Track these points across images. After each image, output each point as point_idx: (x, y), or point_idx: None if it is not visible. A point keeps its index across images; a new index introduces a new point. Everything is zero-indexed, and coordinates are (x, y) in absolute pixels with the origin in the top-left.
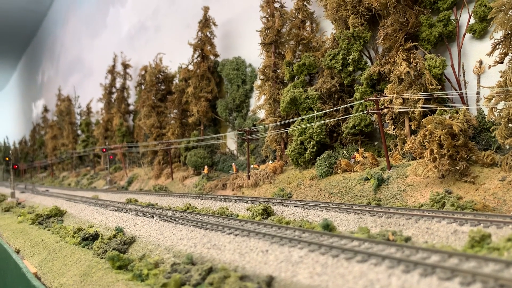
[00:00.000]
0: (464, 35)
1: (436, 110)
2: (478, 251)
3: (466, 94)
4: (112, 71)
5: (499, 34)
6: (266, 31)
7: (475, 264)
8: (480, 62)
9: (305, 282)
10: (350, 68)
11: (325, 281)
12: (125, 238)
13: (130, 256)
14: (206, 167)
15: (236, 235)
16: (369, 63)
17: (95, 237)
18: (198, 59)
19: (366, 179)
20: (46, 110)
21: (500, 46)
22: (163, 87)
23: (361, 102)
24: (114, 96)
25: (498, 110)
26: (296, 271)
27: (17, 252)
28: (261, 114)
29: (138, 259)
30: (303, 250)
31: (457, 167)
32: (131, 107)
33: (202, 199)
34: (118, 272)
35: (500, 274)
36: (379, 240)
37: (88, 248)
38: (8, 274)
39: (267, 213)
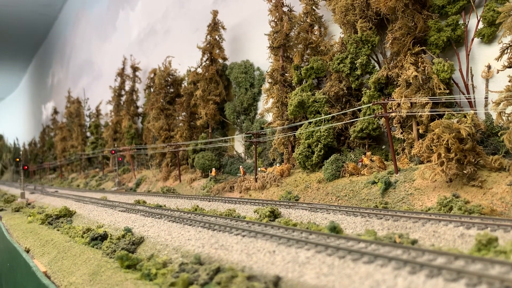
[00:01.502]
0: (472, 40)
1: (444, 114)
2: (484, 254)
3: (474, 98)
4: (121, 73)
5: (507, 39)
6: (275, 35)
7: (481, 266)
8: (489, 67)
9: (311, 282)
10: (358, 72)
11: (331, 281)
12: (133, 238)
13: (138, 256)
14: (213, 169)
15: (243, 236)
16: (377, 67)
17: (104, 237)
18: (207, 62)
19: (374, 182)
20: (55, 112)
21: (509, 50)
22: (172, 90)
23: (369, 106)
24: (123, 98)
25: (506, 115)
26: (303, 271)
27: (27, 251)
28: (269, 117)
29: (146, 258)
30: (310, 251)
31: (465, 171)
32: (140, 110)
33: (209, 201)
34: (127, 271)
35: (506, 276)
36: (386, 242)
37: (97, 248)
38: (18, 272)
39: (274, 215)
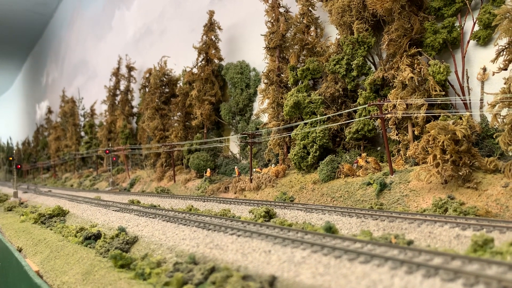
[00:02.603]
0: (468, 42)
1: (439, 116)
2: (481, 255)
3: (469, 100)
4: (116, 73)
5: (503, 41)
6: (271, 36)
7: (478, 266)
8: (484, 69)
9: (307, 282)
10: (354, 73)
11: (327, 281)
12: (127, 238)
13: (132, 255)
14: (208, 170)
15: (238, 235)
16: (373, 68)
17: (97, 236)
18: (203, 62)
19: (369, 184)
20: (50, 111)
21: (504, 53)
22: (167, 90)
23: (365, 107)
24: (118, 98)
25: (501, 117)
26: (298, 271)
27: (19, 250)
28: (264, 118)
29: (140, 258)
30: (306, 251)
31: (460, 173)
32: (135, 110)
33: (204, 201)
34: (120, 270)
35: (503, 276)
36: (382, 243)
37: (90, 247)
38: (10, 272)
39: (269, 215)
